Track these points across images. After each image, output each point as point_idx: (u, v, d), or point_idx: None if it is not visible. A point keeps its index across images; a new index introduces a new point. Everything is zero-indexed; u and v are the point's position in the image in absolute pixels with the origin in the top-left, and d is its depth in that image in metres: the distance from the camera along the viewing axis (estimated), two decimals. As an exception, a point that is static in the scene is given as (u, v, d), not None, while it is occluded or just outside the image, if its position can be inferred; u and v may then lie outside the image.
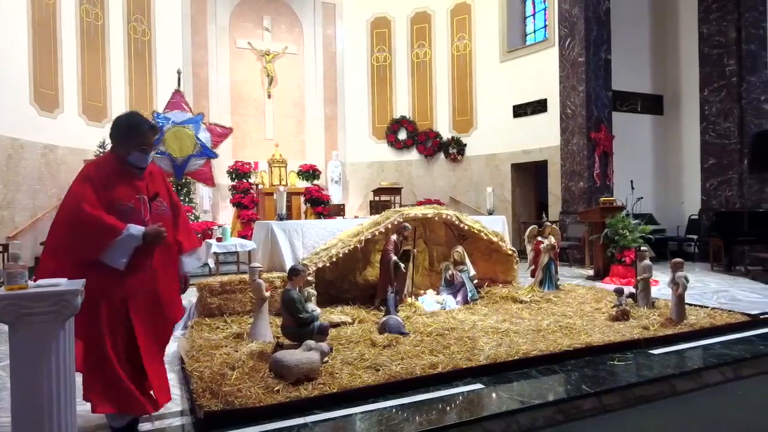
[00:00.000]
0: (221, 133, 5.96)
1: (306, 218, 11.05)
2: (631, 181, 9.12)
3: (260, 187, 11.44)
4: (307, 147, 13.06)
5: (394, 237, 5.43)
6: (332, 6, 13.37)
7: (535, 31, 11.88)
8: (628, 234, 7.43)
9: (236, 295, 5.08)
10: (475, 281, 6.00)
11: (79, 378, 2.46)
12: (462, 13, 12.73)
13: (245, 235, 8.77)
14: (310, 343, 3.46)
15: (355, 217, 10.46)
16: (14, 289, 2.06)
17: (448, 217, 5.95)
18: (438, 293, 5.76)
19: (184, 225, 3.00)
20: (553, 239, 6.40)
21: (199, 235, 9.80)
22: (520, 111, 11.61)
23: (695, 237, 9.94)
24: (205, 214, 11.30)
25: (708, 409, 3.27)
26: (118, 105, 10.79)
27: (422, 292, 5.88)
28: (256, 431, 2.73)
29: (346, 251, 5.40)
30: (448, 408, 3.07)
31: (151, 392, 2.69)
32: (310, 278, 5.02)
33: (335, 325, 4.60)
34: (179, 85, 6.05)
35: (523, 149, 11.46)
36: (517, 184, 11.93)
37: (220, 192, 11.36)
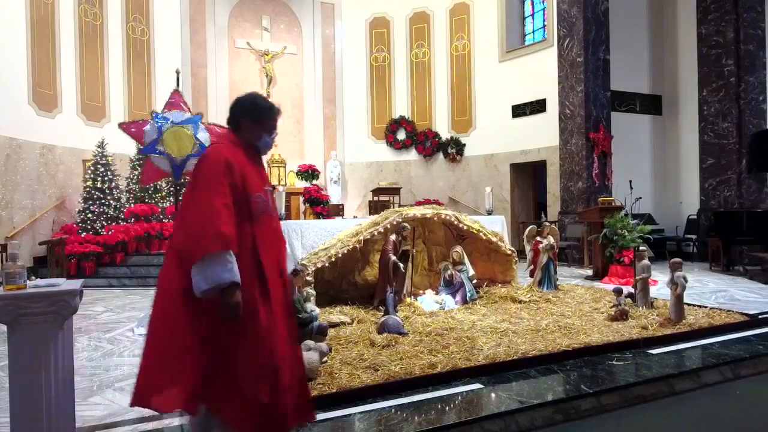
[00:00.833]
0: (220, 133, 5.93)
1: (305, 218, 11.05)
2: (630, 181, 9.13)
3: (259, 187, 11.42)
4: (306, 147, 13.07)
5: (393, 237, 5.43)
6: (331, 6, 13.38)
7: (534, 32, 11.90)
8: (626, 234, 7.44)
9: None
10: (474, 281, 6.00)
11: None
12: (461, 13, 12.74)
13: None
14: (309, 343, 3.46)
15: (354, 217, 10.47)
16: (12, 289, 2.06)
17: (447, 217, 5.96)
18: (437, 293, 5.76)
19: None
20: (552, 239, 6.40)
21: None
22: (518, 111, 11.62)
23: (694, 237, 9.96)
24: (204, 214, 11.28)
25: (706, 409, 3.27)
26: (117, 105, 10.78)
27: (421, 292, 5.88)
28: None
29: (345, 251, 5.40)
30: (447, 408, 3.08)
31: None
32: (309, 278, 5.02)
33: (334, 325, 4.60)
34: (178, 85, 6.04)
35: (522, 149, 11.47)
36: (515, 184, 11.94)
37: (219, 192, 11.33)
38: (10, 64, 8.75)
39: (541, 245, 6.38)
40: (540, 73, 10.98)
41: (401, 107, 13.31)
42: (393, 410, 3.00)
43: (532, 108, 11.31)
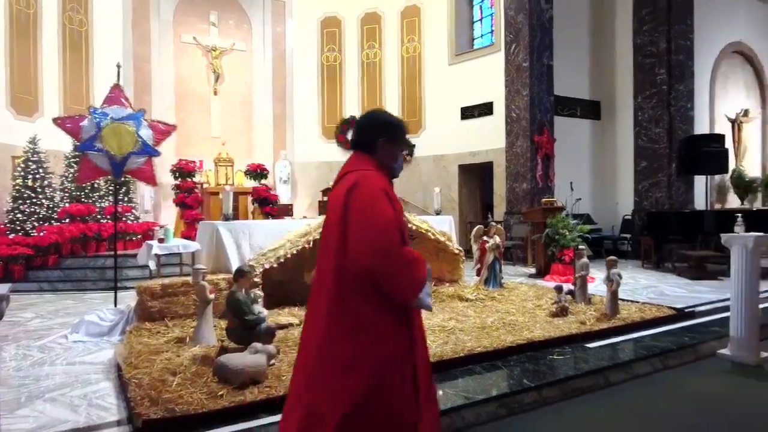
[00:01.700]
0: (164, 130, 5.72)
1: (254, 218, 10.84)
2: (571, 183, 9.52)
3: (205, 186, 11.12)
4: (254, 146, 12.82)
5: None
6: (282, 4, 13.19)
7: (482, 36, 12.18)
8: (567, 233, 7.76)
9: (179, 298, 4.92)
10: (423, 281, 6.08)
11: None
12: (412, 16, 12.87)
13: (189, 236, 8.49)
14: (257, 345, 3.41)
15: (304, 217, 10.36)
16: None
17: (397, 218, 5.99)
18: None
19: None
20: (498, 239, 6.59)
21: (139, 237, 9.44)
22: (467, 113, 11.87)
23: (628, 236, 10.50)
24: (147, 215, 10.87)
25: (638, 399, 3.46)
26: (51, 99, 10.19)
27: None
28: (199, 438, 2.66)
29: (295, 252, 5.35)
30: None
31: None
32: (257, 279, 4.93)
33: (283, 327, 4.55)
34: (119, 79, 5.77)
35: (471, 151, 11.73)
36: (464, 185, 12.18)
37: (163, 191, 10.95)
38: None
39: (487, 245, 6.55)
40: (488, 76, 11.26)
41: (352, 107, 13.30)
42: (341, 411, 3.00)
43: (480, 110, 11.59)
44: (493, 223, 6.86)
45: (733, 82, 12.06)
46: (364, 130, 2.19)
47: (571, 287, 5.73)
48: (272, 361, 3.47)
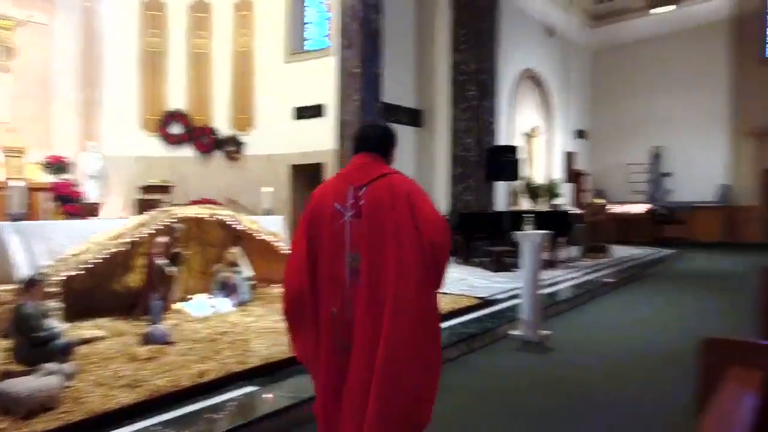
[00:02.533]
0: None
1: (53, 218, 9.37)
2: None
3: (-14, 180, 9.28)
4: (54, 135, 11.07)
5: (162, 239, 5.02)
6: (92, -25, 11.63)
7: (318, 38, 12.31)
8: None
9: (-56, 316, 4.04)
10: (252, 282, 5.94)
11: None
12: (245, 9, 12.42)
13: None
14: (50, 366, 2.97)
15: (120, 217, 9.30)
16: None
17: (223, 217, 5.76)
18: (211, 297, 5.53)
19: None
20: (327, 239, 6.72)
21: None
22: (301, 113, 11.89)
23: (446, 235, 11.58)
24: None
25: (450, 380, 3.86)
26: None
27: (189, 297, 5.56)
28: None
29: (104, 256, 4.78)
30: (218, 415, 2.99)
31: None
32: (54, 289, 4.29)
33: (85, 342, 4.03)
34: None
35: (302, 151, 11.77)
36: (295, 186, 12.18)
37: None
38: None
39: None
40: (322, 78, 11.41)
41: (177, 99, 12.34)
42: (160, 428, 2.78)
43: (312, 112, 11.70)
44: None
45: (526, 102, 14.13)
46: (389, 141, 2.37)
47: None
48: (69, 383, 3.05)
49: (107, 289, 5.30)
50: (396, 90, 11.41)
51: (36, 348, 3.25)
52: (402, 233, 1.95)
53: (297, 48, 12.24)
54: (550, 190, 13.64)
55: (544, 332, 5.02)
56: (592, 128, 17.18)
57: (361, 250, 1.97)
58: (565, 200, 14.27)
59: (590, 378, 4.03)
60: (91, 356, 3.72)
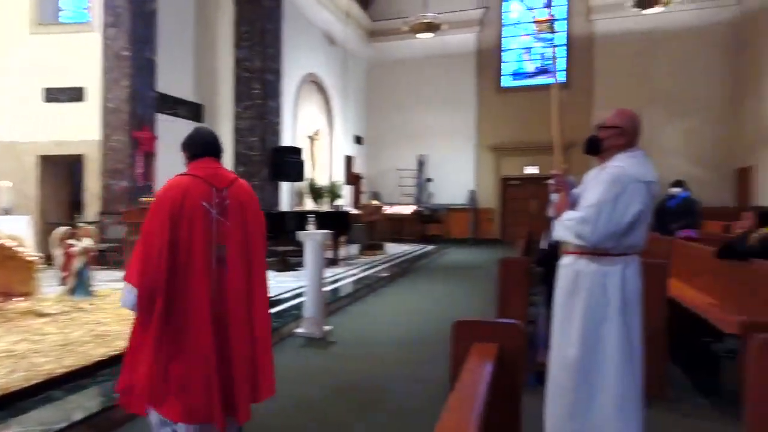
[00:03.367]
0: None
1: None
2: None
3: None
4: None
5: None
6: None
7: (76, 9, 10.55)
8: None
9: None
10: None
11: None
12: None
13: None
14: None
15: None
16: None
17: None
18: None
19: None
20: (87, 242, 5.87)
21: None
22: (53, 95, 10.03)
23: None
24: None
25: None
26: None
27: None
28: None
29: None
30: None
31: None
32: None
33: None
34: None
35: (56, 140, 9.98)
36: (46, 180, 10.27)
37: None
38: None
39: (74, 249, 5.75)
40: (81, 57, 9.83)
41: None
42: None
43: (70, 94, 10.00)
44: (83, 224, 6.08)
45: (309, 105, 14.57)
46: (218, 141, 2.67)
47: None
48: None
49: None
50: (174, 80, 10.57)
51: None
52: (257, 228, 2.52)
53: (49, 18, 10.33)
54: (332, 192, 14.33)
55: (327, 328, 5.26)
56: (368, 134, 18.63)
57: (227, 242, 2.36)
58: (345, 201, 15.15)
59: (368, 366, 4.39)
60: None
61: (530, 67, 17.40)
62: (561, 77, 16.28)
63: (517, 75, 17.56)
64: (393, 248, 13.49)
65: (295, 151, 12.19)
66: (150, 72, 9.63)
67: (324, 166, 15.13)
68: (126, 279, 2.30)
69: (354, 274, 8.99)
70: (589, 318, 2.51)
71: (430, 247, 14.48)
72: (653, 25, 15.31)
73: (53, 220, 9.93)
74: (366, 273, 9.23)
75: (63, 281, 5.81)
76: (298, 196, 13.53)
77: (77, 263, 5.70)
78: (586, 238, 2.46)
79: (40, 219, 9.68)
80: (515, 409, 1.76)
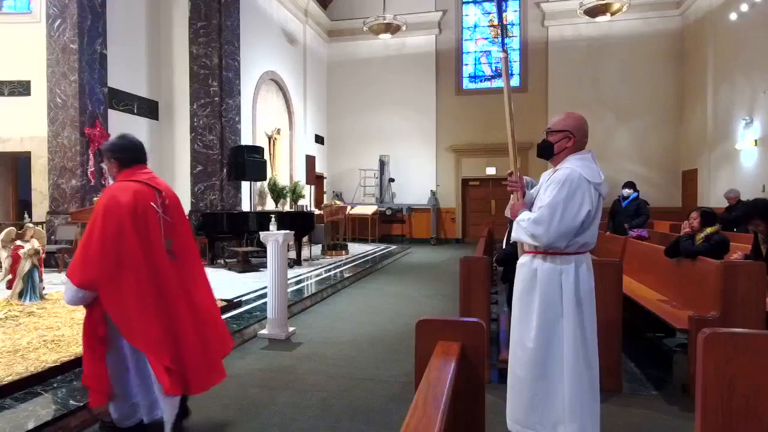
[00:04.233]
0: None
1: None
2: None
3: None
4: None
5: None
6: None
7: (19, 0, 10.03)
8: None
9: None
10: None
11: None
12: None
13: None
14: None
15: None
16: None
17: None
18: None
19: None
20: (37, 243, 5.62)
21: None
22: (-8, 89, 9.54)
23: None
24: None
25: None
26: None
27: None
28: None
29: None
30: None
31: None
32: None
33: None
34: None
35: (0, 137, 9.50)
36: (-12, 178, 9.75)
37: None
38: None
39: (22, 250, 5.49)
40: (24, 49, 9.39)
41: None
42: None
43: (13, 88, 9.53)
44: (30, 225, 5.81)
45: (269, 104, 14.37)
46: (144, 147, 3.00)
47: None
48: None
49: None
50: (126, 76, 10.22)
51: None
52: (185, 223, 3.00)
53: (-10, 6, 9.79)
54: (294, 192, 14.19)
55: (291, 329, 5.23)
56: (330, 134, 18.54)
57: (173, 236, 2.83)
58: (307, 201, 15.04)
59: (333, 366, 4.39)
60: None
61: (488, 70, 17.75)
62: (515, 81, 16.72)
63: (475, 78, 17.88)
64: (356, 248, 13.48)
65: (257, 150, 12.01)
66: (101, 67, 9.28)
67: (285, 165, 14.96)
68: (68, 275, 2.67)
69: (317, 275, 8.95)
70: (546, 314, 2.61)
71: (393, 247, 14.56)
72: (603, 33, 15.92)
73: (-3, 221, 9.45)
74: (329, 273, 9.21)
75: (9, 285, 5.54)
76: (260, 196, 13.34)
77: (26, 265, 5.44)
78: (540, 239, 2.55)
79: (-18, 220, 9.17)
80: (479, 405, 1.82)
